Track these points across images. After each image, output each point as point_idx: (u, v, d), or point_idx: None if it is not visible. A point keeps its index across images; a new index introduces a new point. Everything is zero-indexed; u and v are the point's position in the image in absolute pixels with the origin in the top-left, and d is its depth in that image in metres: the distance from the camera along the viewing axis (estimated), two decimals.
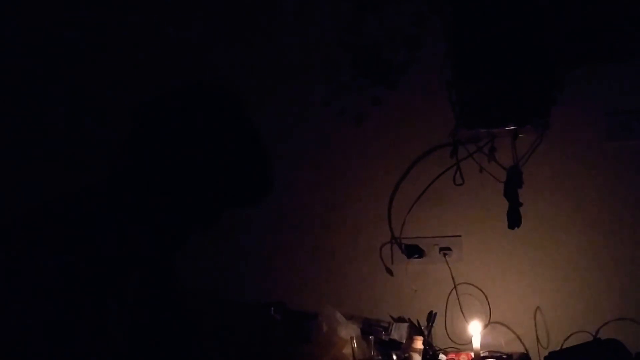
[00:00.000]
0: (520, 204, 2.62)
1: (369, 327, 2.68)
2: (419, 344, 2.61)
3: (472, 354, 2.55)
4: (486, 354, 2.58)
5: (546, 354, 2.47)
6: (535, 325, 2.65)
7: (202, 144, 1.61)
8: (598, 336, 2.54)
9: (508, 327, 2.68)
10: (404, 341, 2.64)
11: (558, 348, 2.55)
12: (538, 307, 2.65)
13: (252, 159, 1.69)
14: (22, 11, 2.89)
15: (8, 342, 1.35)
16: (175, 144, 1.59)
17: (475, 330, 2.57)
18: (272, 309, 2.68)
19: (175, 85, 1.71)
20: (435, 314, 2.69)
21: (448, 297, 2.73)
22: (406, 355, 2.59)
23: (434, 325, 2.67)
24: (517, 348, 2.65)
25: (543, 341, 2.63)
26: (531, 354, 2.63)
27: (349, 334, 2.57)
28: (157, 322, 1.46)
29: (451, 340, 2.71)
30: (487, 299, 2.71)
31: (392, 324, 2.69)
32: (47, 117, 2.89)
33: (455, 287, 2.73)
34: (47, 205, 1.50)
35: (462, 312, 2.72)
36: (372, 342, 2.60)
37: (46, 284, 1.37)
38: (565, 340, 2.56)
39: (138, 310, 1.41)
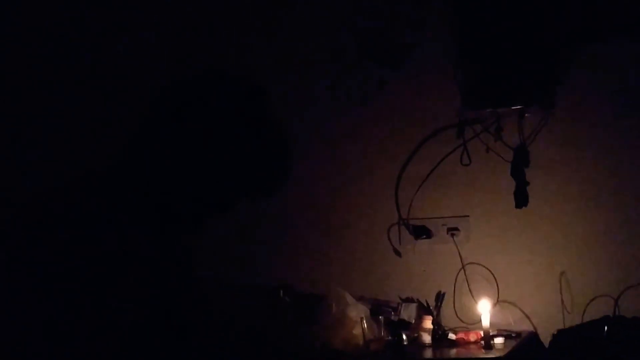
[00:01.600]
0: (527, 183, 2.63)
1: (378, 308, 2.70)
2: (428, 323, 2.63)
3: (481, 333, 2.57)
4: (495, 332, 2.60)
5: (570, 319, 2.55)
6: (561, 291, 2.65)
7: (217, 134, 1.61)
8: (618, 302, 2.56)
9: (516, 306, 2.70)
10: (413, 321, 2.66)
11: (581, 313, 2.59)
12: (563, 272, 2.66)
13: (271, 147, 1.70)
14: (25, 9, 2.90)
15: (8, 342, 1.38)
16: (188, 136, 1.60)
17: (484, 310, 2.58)
18: (282, 291, 2.70)
19: (185, 75, 1.72)
20: (444, 293, 2.71)
21: (456, 277, 2.75)
22: (416, 335, 2.61)
23: (442, 305, 2.69)
24: (526, 326, 2.67)
25: (552, 313, 2.65)
26: (555, 320, 2.63)
27: (358, 314, 2.59)
28: (158, 322, 1.48)
29: (460, 319, 2.73)
30: (495, 278, 2.72)
31: (401, 304, 2.71)
32: (49, 113, 2.91)
33: (463, 266, 2.74)
34: (47, 205, 1.52)
35: (470, 291, 2.73)
36: (382, 323, 2.62)
37: (46, 284, 1.39)
38: (587, 304, 2.59)
39: (138, 310, 1.43)
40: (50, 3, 2.92)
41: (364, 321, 2.58)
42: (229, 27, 2.88)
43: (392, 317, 2.67)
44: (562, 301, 2.65)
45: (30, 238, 1.46)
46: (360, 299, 2.69)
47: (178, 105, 1.63)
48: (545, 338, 2.57)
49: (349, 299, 2.64)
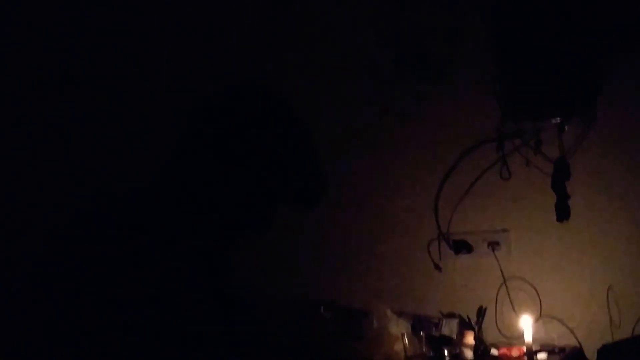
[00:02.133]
0: (569, 197, 2.60)
1: (419, 323, 2.68)
2: (469, 339, 2.61)
3: (524, 348, 2.54)
4: (538, 348, 2.57)
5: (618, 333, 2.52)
6: (608, 306, 2.62)
7: (255, 149, 1.63)
8: None
9: (560, 321, 2.67)
10: (455, 337, 2.64)
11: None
12: (610, 287, 2.62)
13: (307, 163, 1.71)
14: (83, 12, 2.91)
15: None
16: (227, 149, 1.62)
17: (526, 325, 2.56)
18: (322, 307, 2.70)
19: (224, 89, 1.73)
20: (485, 308, 2.69)
21: (498, 292, 2.73)
22: (457, 350, 2.60)
23: (484, 320, 2.67)
24: (570, 341, 2.63)
25: (597, 327, 2.62)
26: (600, 335, 2.59)
27: (399, 330, 2.58)
28: (198, 334, 1.49)
29: (502, 334, 2.71)
30: (537, 293, 2.70)
31: (442, 320, 2.69)
32: (89, 129, 2.93)
33: (504, 281, 2.72)
34: (89, 218, 1.55)
35: (512, 306, 2.71)
36: (423, 338, 2.61)
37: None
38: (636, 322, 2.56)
39: (176, 320, 1.45)
40: (86, 24, 2.94)
41: (405, 337, 2.57)
42: (266, 43, 2.90)
43: (434, 333, 2.65)
44: (610, 316, 2.62)
45: (74, 251, 1.49)
46: (401, 314, 2.68)
47: (214, 121, 1.65)
48: (590, 353, 2.53)
49: (390, 314, 2.63)
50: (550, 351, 2.56)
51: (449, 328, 2.66)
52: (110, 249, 1.48)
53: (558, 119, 2.59)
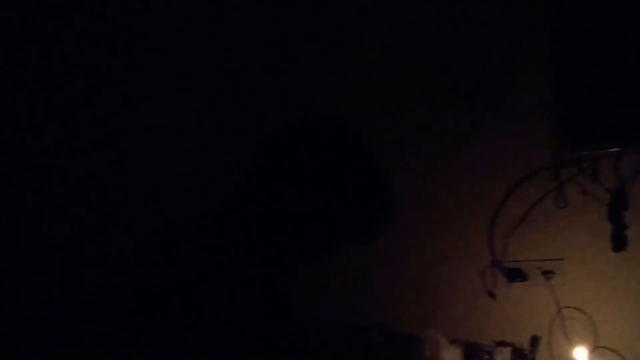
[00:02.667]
0: (626, 227, 2.57)
1: (471, 351, 2.67)
2: None
3: None
4: None
5: None
6: None
7: (325, 179, 1.65)
8: None
9: (616, 352, 2.63)
10: None
11: None
12: None
13: (376, 193, 1.73)
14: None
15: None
16: (293, 179, 1.64)
17: (581, 356, 2.53)
18: (374, 331, 2.71)
19: (292, 120, 1.76)
20: (539, 338, 2.67)
21: (551, 321, 2.70)
22: None
23: (537, 349, 2.65)
24: None
25: None
26: None
27: (452, 357, 2.58)
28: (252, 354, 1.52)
29: None
30: (592, 323, 2.66)
31: (495, 348, 2.68)
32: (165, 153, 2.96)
33: (559, 310, 2.69)
34: (163, 239, 1.59)
35: (566, 336, 2.68)
36: None
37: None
38: None
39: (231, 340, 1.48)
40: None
41: None
42: (322, 68, 2.92)
43: None
44: None
45: (148, 269, 1.53)
46: (453, 341, 2.67)
47: (286, 149, 1.68)
48: None
49: (442, 341, 2.63)
50: None
51: (502, 357, 2.64)
52: (176, 266, 1.52)
53: (617, 148, 2.56)
